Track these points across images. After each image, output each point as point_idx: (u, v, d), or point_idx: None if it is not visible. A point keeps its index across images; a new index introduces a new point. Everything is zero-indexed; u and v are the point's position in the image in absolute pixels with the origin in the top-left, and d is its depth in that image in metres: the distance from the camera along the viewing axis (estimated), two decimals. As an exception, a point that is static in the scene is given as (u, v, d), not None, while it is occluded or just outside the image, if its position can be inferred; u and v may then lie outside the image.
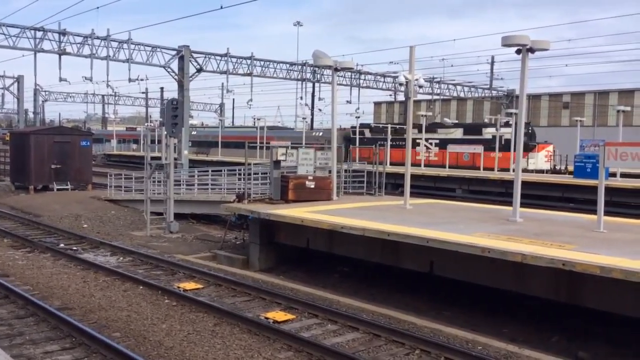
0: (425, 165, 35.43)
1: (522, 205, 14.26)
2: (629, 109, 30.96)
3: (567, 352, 8.96)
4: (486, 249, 9.54)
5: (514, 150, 15.26)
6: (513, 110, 32.46)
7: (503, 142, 33.61)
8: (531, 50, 11.99)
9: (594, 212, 11.87)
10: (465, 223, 12.43)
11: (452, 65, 53.52)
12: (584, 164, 26.80)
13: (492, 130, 35.29)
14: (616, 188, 23.84)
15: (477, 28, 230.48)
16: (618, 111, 28.78)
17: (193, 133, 58.36)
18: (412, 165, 34.24)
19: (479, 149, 34.56)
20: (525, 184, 22.20)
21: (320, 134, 44.04)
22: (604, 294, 8.79)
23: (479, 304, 11.06)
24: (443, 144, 37.11)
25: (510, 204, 13.74)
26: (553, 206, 22.61)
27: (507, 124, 36.75)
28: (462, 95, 51.37)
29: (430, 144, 37.77)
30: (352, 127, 44.50)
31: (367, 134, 42.08)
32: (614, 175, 26.45)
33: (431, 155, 37.50)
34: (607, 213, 13.71)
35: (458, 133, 37.94)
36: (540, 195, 26.06)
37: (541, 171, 32.66)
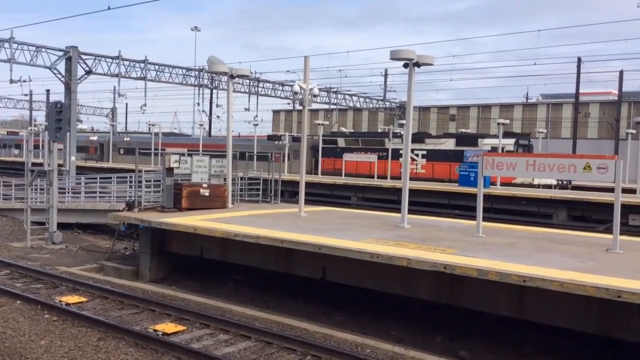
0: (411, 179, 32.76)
1: (411, 212, 14.89)
2: (508, 121, 33.31)
3: (449, 351, 9.45)
4: (375, 254, 9.85)
5: (403, 161, 15.62)
6: (404, 121, 33.66)
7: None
8: (417, 64, 12.59)
9: (476, 218, 12.61)
10: (356, 230, 12.77)
11: (346, 76, 54.86)
12: (467, 173, 28.46)
13: (492, 141, 32.27)
14: (496, 195, 25.56)
15: (370, 41, 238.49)
16: (498, 124, 30.89)
17: (126, 139, 53.04)
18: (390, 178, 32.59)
19: (373, 157, 35.56)
20: (414, 191, 23.26)
21: (285, 142, 39.90)
22: (481, 295, 9.37)
23: (368, 308, 11.39)
24: (432, 155, 34.15)
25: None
26: (439, 213, 23.81)
27: (509, 134, 34.12)
28: (357, 105, 52.82)
29: (417, 155, 34.76)
30: (324, 136, 39.47)
31: (341, 143, 38.32)
32: (494, 183, 28.38)
33: (418, 167, 34.20)
34: (487, 219, 14.66)
35: (449, 144, 34.43)
36: (428, 202, 27.39)
37: (548, 186, 30.00)
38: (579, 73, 43.58)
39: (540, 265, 8.92)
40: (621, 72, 45.01)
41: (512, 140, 32.93)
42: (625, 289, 7.62)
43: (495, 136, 35.61)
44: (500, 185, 28.75)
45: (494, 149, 30.88)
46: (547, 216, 25.24)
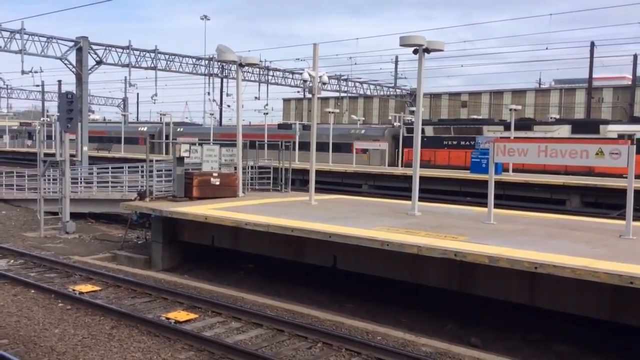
0: (519, 171, 28.41)
1: (422, 199, 14.84)
2: (520, 107, 32.94)
3: (460, 338, 9.44)
4: (385, 242, 9.84)
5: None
6: (415, 108, 33.27)
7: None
8: (427, 50, 12.49)
9: (487, 205, 12.54)
10: (367, 217, 12.76)
11: (355, 64, 54.61)
12: (479, 160, 28.27)
13: (618, 127, 28.26)
14: (508, 182, 25.39)
15: (379, 28, 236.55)
16: (510, 110, 30.60)
17: (179, 130, 49.39)
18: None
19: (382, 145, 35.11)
20: (425, 179, 23.15)
21: (363, 131, 38.99)
22: (492, 282, 9.34)
23: (379, 296, 11.40)
24: None
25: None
26: (451, 200, 23.73)
27: (634, 119, 30.35)
28: (368, 93, 52.56)
29: None
30: (405, 124, 37.04)
31: (429, 131, 35.22)
32: (506, 170, 28.18)
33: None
34: (499, 206, 14.57)
35: (564, 131, 30.17)
36: (440, 189, 27.30)
37: None
38: (592, 58, 43.04)
39: (552, 252, 8.87)
40: (635, 56, 44.39)
41: None
42: (638, 275, 7.56)
43: (620, 121, 30.91)
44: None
45: (620, 137, 26.38)
46: (560, 202, 25.06)
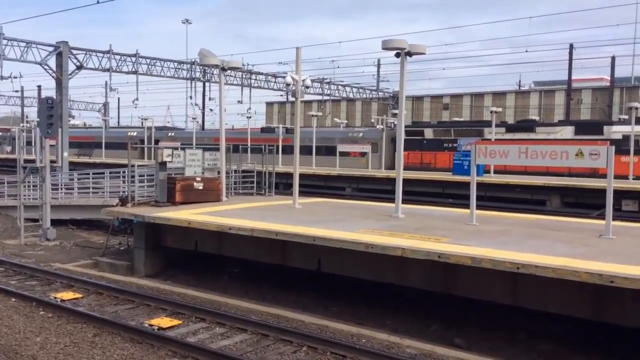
0: (518, 173, 27.85)
1: (405, 201, 14.90)
2: (500, 109, 33.22)
3: (444, 339, 9.49)
4: (369, 244, 9.87)
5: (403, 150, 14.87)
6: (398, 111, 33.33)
7: None
8: (409, 53, 12.57)
9: (469, 206, 12.63)
10: (351, 220, 12.78)
11: (338, 67, 54.80)
12: (461, 162, 28.48)
13: (623, 128, 27.43)
14: (490, 183, 25.61)
15: (362, 31, 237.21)
16: (491, 112, 30.88)
17: (170, 134, 48.87)
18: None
19: (367, 148, 35.26)
20: (408, 181, 23.24)
21: (361, 134, 38.51)
22: (475, 283, 9.41)
23: (364, 298, 11.42)
24: None
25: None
26: (434, 202, 23.87)
27: None
28: (351, 96, 52.66)
29: None
30: (407, 126, 35.10)
31: (428, 134, 34.58)
32: (488, 172, 28.41)
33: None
34: (481, 207, 14.67)
35: (567, 132, 29.49)
36: (422, 191, 27.44)
37: None
38: (570, 59, 43.61)
39: (534, 252, 8.96)
40: (613, 58, 45.13)
41: None
42: (618, 274, 7.67)
43: (625, 122, 29.74)
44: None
45: (625, 138, 26.07)
46: (541, 203, 25.33)
